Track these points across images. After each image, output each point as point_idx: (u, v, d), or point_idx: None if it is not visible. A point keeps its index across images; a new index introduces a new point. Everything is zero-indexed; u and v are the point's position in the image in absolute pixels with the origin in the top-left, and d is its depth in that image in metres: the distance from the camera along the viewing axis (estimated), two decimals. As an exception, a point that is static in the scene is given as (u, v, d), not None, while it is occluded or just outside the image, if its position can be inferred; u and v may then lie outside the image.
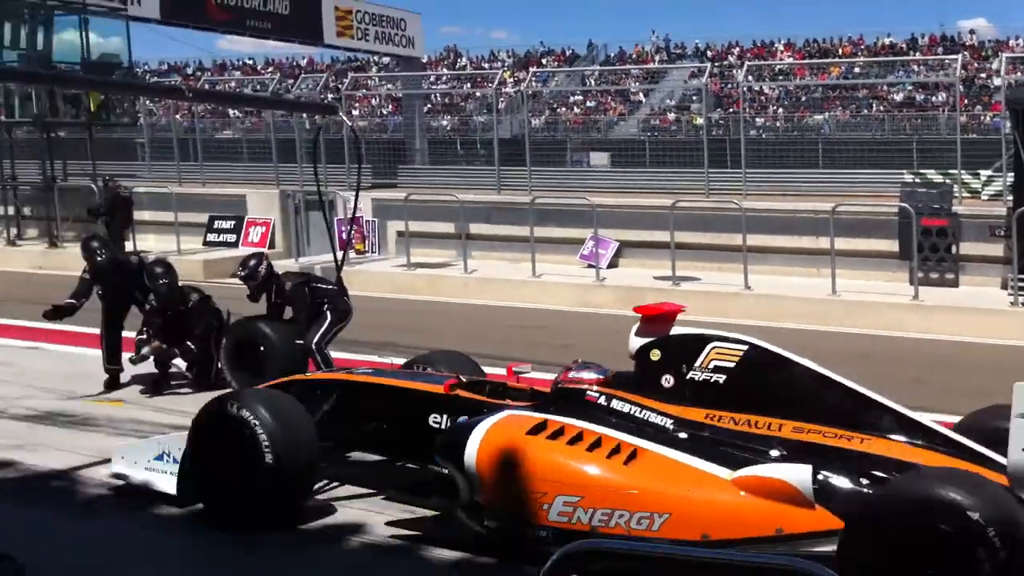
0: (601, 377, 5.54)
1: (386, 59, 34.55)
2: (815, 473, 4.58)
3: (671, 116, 35.37)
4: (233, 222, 19.44)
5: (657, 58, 41.59)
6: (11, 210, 20.36)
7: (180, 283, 8.54)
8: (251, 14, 24.01)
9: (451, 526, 5.19)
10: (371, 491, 5.92)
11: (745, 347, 5.26)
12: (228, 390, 7.02)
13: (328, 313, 8.37)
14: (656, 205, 15.73)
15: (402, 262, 16.52)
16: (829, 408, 5.04)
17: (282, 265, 12.88)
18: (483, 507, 5.02)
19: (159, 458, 6.05)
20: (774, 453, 4.90)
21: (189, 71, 47.08)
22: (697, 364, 5.28)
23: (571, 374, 5.62)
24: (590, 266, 15.40)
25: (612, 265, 15.81)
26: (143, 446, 6.28)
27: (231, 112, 32.24)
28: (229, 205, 19.90)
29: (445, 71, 37.51)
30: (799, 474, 4.56)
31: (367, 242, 17.75)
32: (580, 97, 38.23)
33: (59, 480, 6.34)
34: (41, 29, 20.37)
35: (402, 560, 5.14)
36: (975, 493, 4.08)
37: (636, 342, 5.51)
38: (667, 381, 5.33)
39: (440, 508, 5.34)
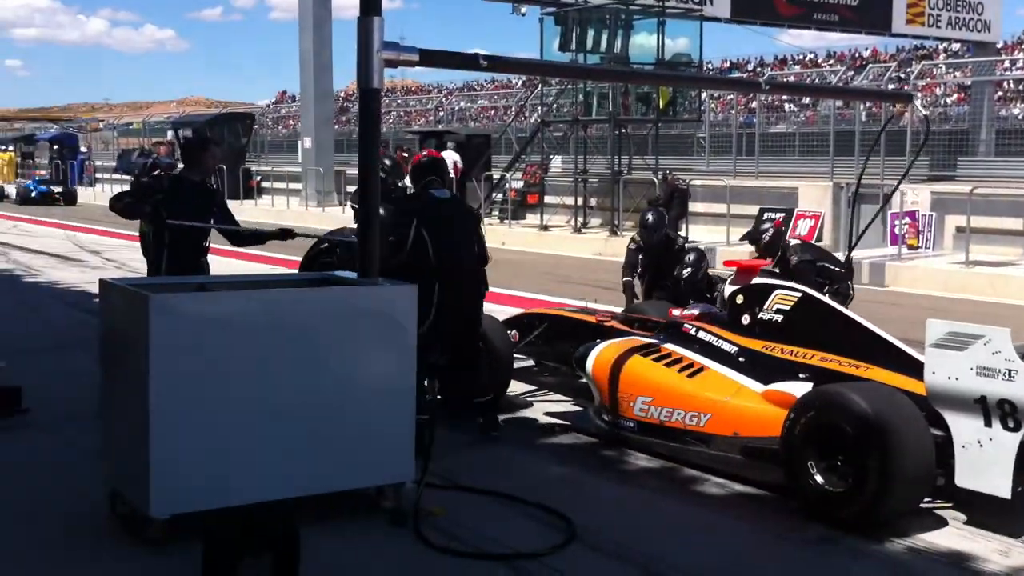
0: (706, 313, 7.10)
1: (955, 45, 32.58)
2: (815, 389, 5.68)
3: None
4: (782, 215, 19.54)
5: None
6: (579, 200, 22.25)
7: (710, 271, 8.86)
8: (819, 7, 23.95)
9: (585, 418, 7.02)
10: (552, 393, 7.95)
11: (799, 294, 6.50)
12: None
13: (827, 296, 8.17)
14: None
15: (959, 259, 15.54)
16: (854, 345, 6.08)
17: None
18: (602, 406, 6.72)
19: None
20: (801, 375, 6.02)
21: (750, 67, 47.94)
22: (765, 306, 6.57)
23: (686, 311, 7.30)
24: None
25: None
26: None
27: (786, 106, 32.35)
28: (780, 197, 20.05)
29: (1021, 55, 34.47)
30: (802, 390, 5.73)
31: (921, 237, 16.93)
32: None
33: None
34: (619, 33, 22.03)
35: (547, 432, 7.23)
36: (873, 400, 5.19)
37: (728, 289, 6.99)
38: (745, 319, 6.65)
39: (585, 406, 7.15)
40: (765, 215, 19.70)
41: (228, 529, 4.28)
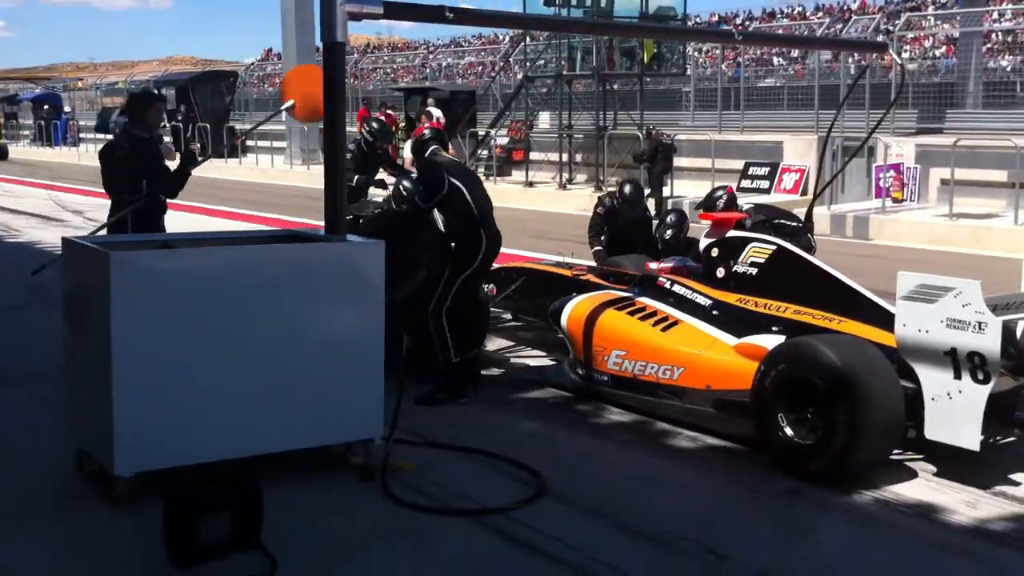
0: (682, 267, 7.13)
1: (946, -4, 32.32)
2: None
3: None
4: (768, 168, 19.49)
5: None
6: (564, 156, 22.13)
7: (688, 236, 8.77)
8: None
9: (560, 372, 7.00)
10: (528, 347, 8.00)
11: (774, 247, 6.47)
12: None
13: None
14: None
15: (943, 212, 15.50)
16: (828, 298, 6.05)
17: (817, 212, 12.67)
18: (576, 360, 6.75)
19: None
20: (774, 328, 5.96)
21: (738, 21, 47.55)
22: (740, 259, 6.56)
23: (662, 265, 7.30)
24: None
25: None
26: None
27: (775, 60, 32.14)
28: (765, 151, 19.97)
29: (1010, 6, 34.25)
30: (775, 343, 5.65)
31: (906, 190, 16.87)
32: None
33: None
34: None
35: (522, 387, 7.09)
36: (843, 353, 5.17)
37: (704, 242, 6.99)
38: (720, 272, 6.65)
39: (560, 361, 7.16)
40: (751, 170, 19.68)
41: (190, 487, 4.25)
